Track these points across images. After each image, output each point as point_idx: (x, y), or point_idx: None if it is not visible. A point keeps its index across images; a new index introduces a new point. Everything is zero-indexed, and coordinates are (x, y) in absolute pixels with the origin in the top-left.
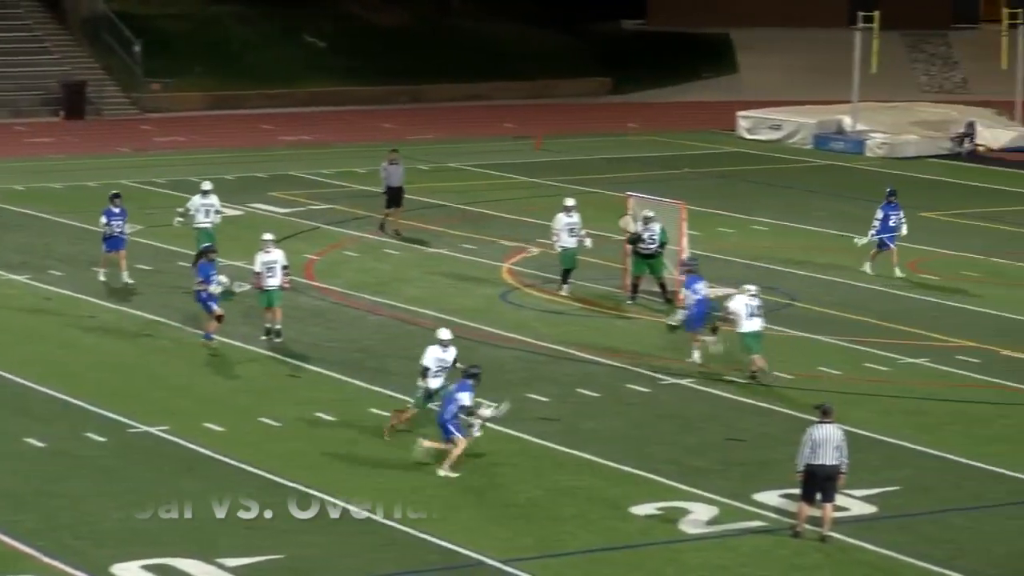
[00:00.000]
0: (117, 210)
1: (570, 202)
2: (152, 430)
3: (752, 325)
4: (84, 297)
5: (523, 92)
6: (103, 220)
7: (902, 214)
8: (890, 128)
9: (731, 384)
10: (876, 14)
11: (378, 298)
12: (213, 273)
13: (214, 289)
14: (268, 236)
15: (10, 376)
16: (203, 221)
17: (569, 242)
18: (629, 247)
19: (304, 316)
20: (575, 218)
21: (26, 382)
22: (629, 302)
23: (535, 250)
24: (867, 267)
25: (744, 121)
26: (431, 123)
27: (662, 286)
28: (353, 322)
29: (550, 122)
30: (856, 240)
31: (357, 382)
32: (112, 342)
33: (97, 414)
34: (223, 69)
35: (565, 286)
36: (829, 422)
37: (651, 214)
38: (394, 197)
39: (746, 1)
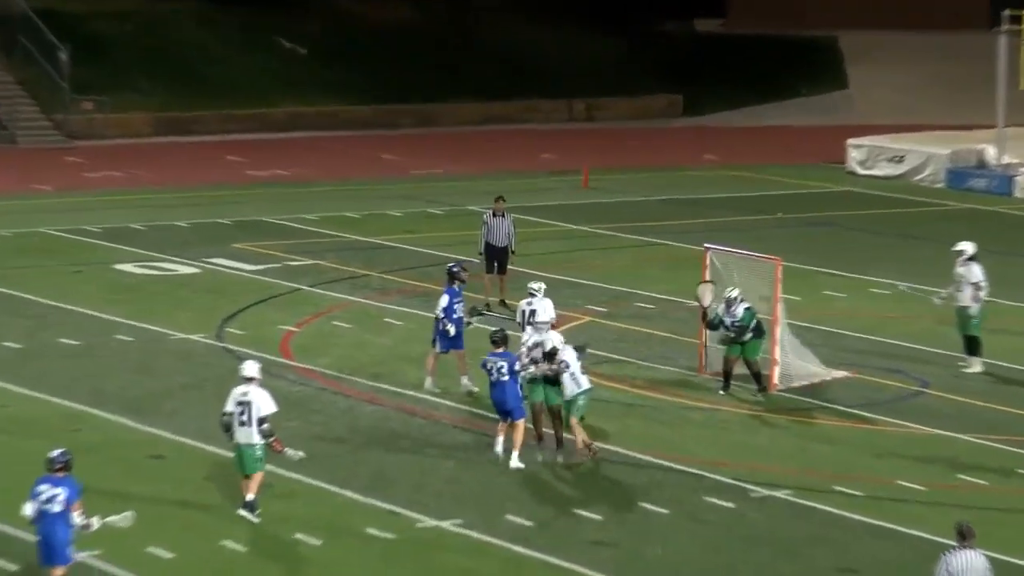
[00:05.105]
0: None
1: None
2: (81, 556)
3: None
4: None
5: (565, 114)
6: None
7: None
8: None
9: (841, 496)
10: None
11: (377, 383)
12: None
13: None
14: (253, 369)
15: None
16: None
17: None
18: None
19: (280, 405)
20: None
21: None
22: (721, 392)
23: (584, 318)
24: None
25: (856, 151)
26: (445, 153)
27: (754, 371)
28: (343, 415)
29: (602, 152)
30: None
31: (349, 493)
32: (27, 440)
33: (12, 537)
34: (175, 84)
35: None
36: (969, 547)
37: (735, 294)
38: (498, 260)
39: None
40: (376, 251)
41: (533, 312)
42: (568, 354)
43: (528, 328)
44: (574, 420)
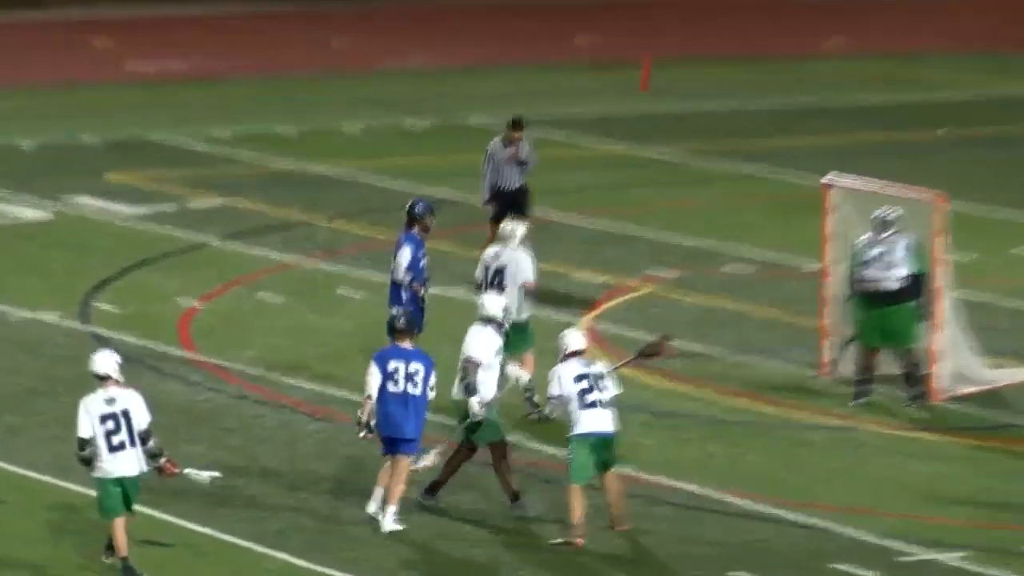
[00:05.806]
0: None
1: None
2: None
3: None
4: None
5: None
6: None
7: None
8: None
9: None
10: None
11: (324, 387)
12: None
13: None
14: (108, 364)
15: None
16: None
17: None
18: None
19: (178, 421)
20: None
21: None
22: (852, 403)
23: (643, 289)
24: None
25: None
26: (425, 37)
27: (909, 368)
28: (273, 436)
29: (669, 35)
30: None
31: (282, 555)
32: None
33: None
34: None
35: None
36: None
37: (893, 215)
38: (514, 202)
39: None
40: (323, 186)
41: (501, 271)
42: (566, 377)
43: (487, 299)
44: (574, 486)
